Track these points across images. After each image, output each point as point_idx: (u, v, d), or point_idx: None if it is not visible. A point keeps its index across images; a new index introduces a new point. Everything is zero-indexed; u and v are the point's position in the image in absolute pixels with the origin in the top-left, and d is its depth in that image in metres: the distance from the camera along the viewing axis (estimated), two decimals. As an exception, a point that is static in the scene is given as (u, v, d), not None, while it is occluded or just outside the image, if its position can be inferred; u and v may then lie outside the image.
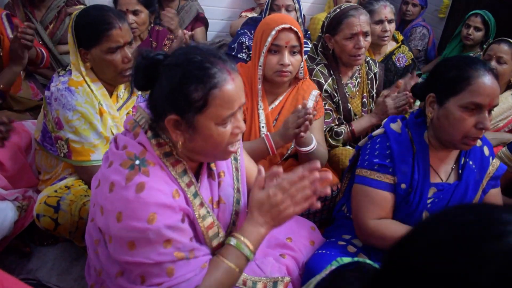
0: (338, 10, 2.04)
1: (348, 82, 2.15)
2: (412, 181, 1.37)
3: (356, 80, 2.17)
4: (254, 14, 3.49)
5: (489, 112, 1.28)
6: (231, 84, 0.97)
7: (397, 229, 1.33)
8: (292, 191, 1.05)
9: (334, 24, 2.02)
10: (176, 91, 0.94)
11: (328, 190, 1.09)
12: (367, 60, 2.25)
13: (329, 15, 2.09)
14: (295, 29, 1.66)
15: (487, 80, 1.24)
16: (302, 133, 1.55)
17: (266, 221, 1.06)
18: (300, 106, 1.56)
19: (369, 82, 2.21)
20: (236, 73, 1.00)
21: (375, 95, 2.24)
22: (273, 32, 1.64)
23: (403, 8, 3.76)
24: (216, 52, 1.00)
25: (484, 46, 2.90)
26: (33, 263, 1.73)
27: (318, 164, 1.07)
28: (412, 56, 3.06)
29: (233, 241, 1.06)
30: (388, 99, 1.98)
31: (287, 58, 1.67)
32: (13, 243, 1.70)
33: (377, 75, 2.25)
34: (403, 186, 1.38)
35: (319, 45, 2.16)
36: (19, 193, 1.68)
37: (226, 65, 0.98)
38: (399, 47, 3.01)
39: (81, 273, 1.69)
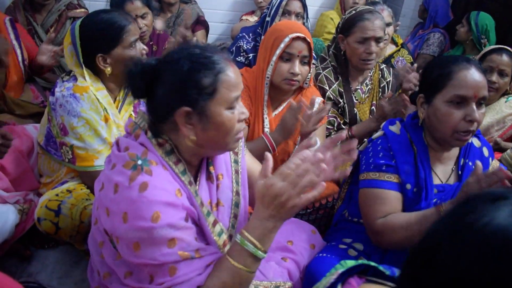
0: (354, 12, 2.00)
1: (358, 87, 2.11)
2: (418, 180, 1.36)
3: (367, 87, 2.14)
4: (255, 17, 3.50)
5: (479, 105, 1.29)
6: (232, 69, 1.04)
7: (404, 217, 1.29)
8: (293, 178, 0.93)
9: (348, 26, 1.99)
10: (186, 82, 0.98)
11: (347, 172, 1.04)
12: (381, 67, 2.20)
13: (344, 16, 2.05)
14: (308, 39, 1.67)
15: (469, 72, 1.27)
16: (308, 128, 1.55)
17: (272, 214, 0.96)
18: (294, 102, 1.58)
19: (380, 90, 2.16)
20: (232, 61, 1.06)
21: None
22: (287, 39, 1.64)
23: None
24: (209, 45, 1.06)
25: (483, 47, 2.88)
26: (33, 266, 1.73)
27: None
28: (412, 60, 3.07)
29: (238, 237, 1.00)
30: (385, 103, 1.99)
31: (298, 67, 1.67)
32: (14, 246, 1.70)
33: (390, 84, 2.19)
34: (408, 186, 1.37)
35: (332, 45, 2.12)
36: (20, 196, 1.67)
37: (223, 54, 1.04)
38: (398, 50, 3.03)
39: (81, 276, 1.69)
